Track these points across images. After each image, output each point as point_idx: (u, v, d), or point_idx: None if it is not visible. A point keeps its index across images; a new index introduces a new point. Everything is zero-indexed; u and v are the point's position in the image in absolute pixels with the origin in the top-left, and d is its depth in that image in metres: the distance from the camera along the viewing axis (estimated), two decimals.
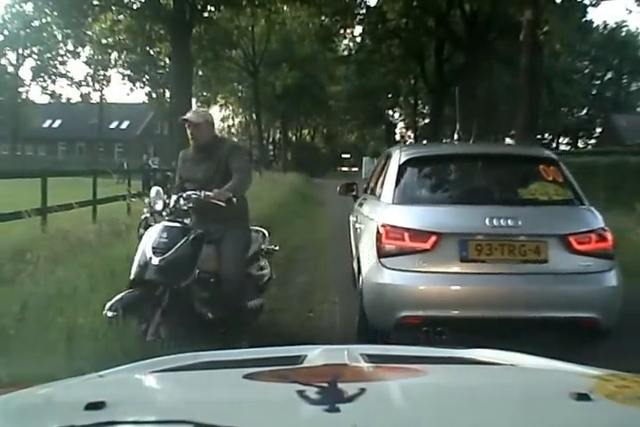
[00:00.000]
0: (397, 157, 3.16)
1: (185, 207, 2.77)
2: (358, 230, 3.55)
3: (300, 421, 0.69)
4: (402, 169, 3.06)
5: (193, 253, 2.70)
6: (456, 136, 3.68)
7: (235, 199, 2.79)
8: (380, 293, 2.79)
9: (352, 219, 4.24)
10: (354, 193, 4.70)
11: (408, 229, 2.73)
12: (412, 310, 2.69)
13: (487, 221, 2.70)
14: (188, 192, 2.82)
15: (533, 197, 2.96)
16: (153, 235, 2.71)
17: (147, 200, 2.93)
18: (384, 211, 2.95)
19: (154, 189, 2.96)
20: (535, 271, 2.72)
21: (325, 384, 0.75)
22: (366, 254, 2.97)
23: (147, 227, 3.10)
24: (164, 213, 2.82)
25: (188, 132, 3.00)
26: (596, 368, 0.98)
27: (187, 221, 2.81)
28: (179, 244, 2.65)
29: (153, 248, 2.64)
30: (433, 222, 2.77)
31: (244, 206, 3.07)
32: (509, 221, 2.71)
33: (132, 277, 2.70)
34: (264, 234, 3.37)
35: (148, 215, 3.14)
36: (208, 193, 2.77)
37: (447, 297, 2.72)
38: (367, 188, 4.13)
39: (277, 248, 3.45)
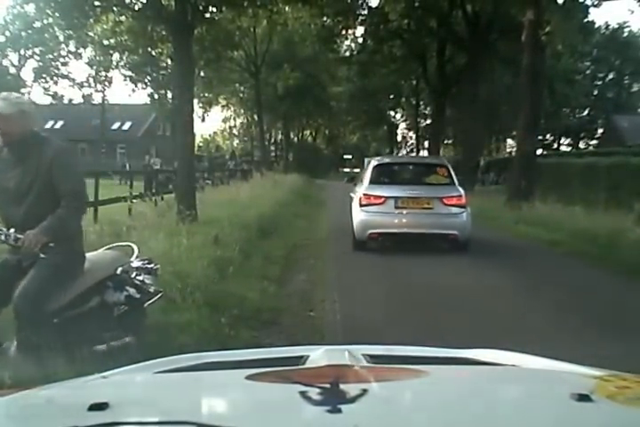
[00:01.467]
0: (372, 163, 7.05)
1: None
2: (353, 198, 6.97)
3: (302, 422, 0.69)
4: (373, 169, 6.79)
5: (2, 284, 2.26)
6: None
7: (52, 244, 2.18)
8: (359, 222, 6.37)
9: (351, 194, 7.47)
10: (353, 182, 8.29)
11: (373, 195, 6.37)
12: (374, 229, 6.31)
13: (407, 191, 6.27)
14: None
15: (430, 181, 6.53)
16: None
17: None
18: (363, 188, 6.59)
19: None
20: (427, 213, 6.24)
21: (327, 385, 0.75)
22: (355, 207, 6.55)
23: None
24: None
25: None
26: (596, 369, 0.98)
27: None
28: None
29: None
30: (383, 192, 6.35)
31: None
32: (417, 191, 6.32)
33: None
34: (132, 250, 2.75)
35: None
36: (19, 236, 2.21)
37: (388, 223, 6.26)
38: (358, 178, 7.89)
39: (157, 266, 2.76)
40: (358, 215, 6.39)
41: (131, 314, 2.52)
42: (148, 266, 2.71)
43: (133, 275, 2.61)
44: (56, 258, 2.24)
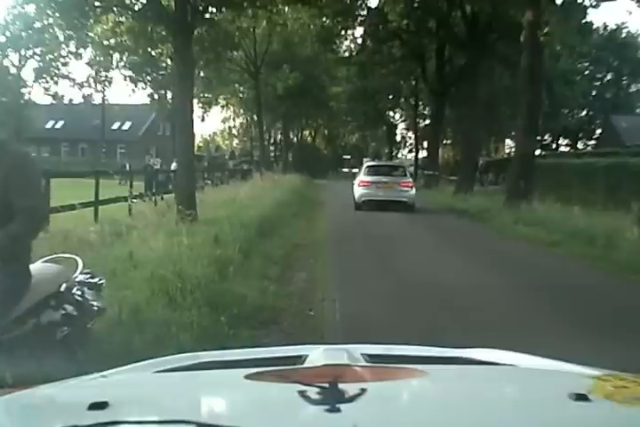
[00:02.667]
0: (365, 164, 14.75)
1: None
2: (354, 183, 13.28)
3: (301, 421, 0.69)
4: (365, 167, 13.83)
5: None
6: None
7: None
8: (358, 194, 12.76)
9: (353, 182, 13.57)
10: (354, 176, 14.66)
11: (365, 180, 12.83)
12: (364, 197, 12.64)
13: (382, 178, 12.66)
14: None
15: (394, 174, 13.04)
16: None
17: None
18: (360, 177, 13.20)
19: None
20: (391, 189, 12.53)
21: (326, 385, 0.75)
22: (355, 187, 13.07)
23: None
24: None
25: None
26: (594, 368, 0.98)
27: None
28: None
29: None
30: (370, 179, 12.78)
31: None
32: (386, 179, 12.71)
33: None
34: (76, 263, 2.35)
35: None
36: None
37: (372, 194, 12.55)
38: (358, 173, 14.13)
39: (102, 281, 2.38)
40: (357, 190, 12.91)
41: (74, 336, 2.14)
42: (92, 281, 2.31)
43: (77, 291, 2.23)
44: None
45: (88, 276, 2.31)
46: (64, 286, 2.15)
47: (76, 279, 2.25)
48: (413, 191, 12.77)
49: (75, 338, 2.13)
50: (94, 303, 2.24)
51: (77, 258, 2.33)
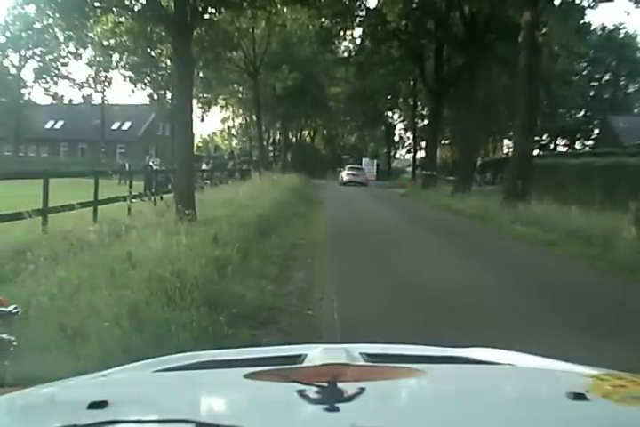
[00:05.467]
0: (346, 167, 34.11)
1: None
2: (340, 176, 32.76)
3: (300, 420, 0.70)
4: (346, 168, 33.34)
5: None
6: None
7: None
8: (342, 178, 31.26)
9: (341, 174, 32.81)
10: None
11: (346, 173, 31.85)
12: (345, 179, 30.94)
13: (353, 172, 31.78)
14: None
15: (359, 171, 32.89)
16: None
17: None
18: (344, 172, 32.42)
19: None
20: (357, 178, 30.64)
21: (325, 384, 0.75)
22: (341, 175, 32.47)
23: None
24: None
25: None
26: (592, 368, 0.99)
27: None
28: None
29: None
30: (348, 172, 31.81)
31: None
32: (356, 172, 31.84)
33: None
34: None
35: None
36: None
37: (349, 179, 30.51)
38: (342, 171, 33.22)
39: (16, 310, 1.84)
40: (343, 176, 30.97)
41: None
42: (4, 309, 1.83)
43: None
44: None
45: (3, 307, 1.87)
46: None
47: None
48: (365, 178, 30.91)
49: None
50: (4, 337, 1.81)
51: None
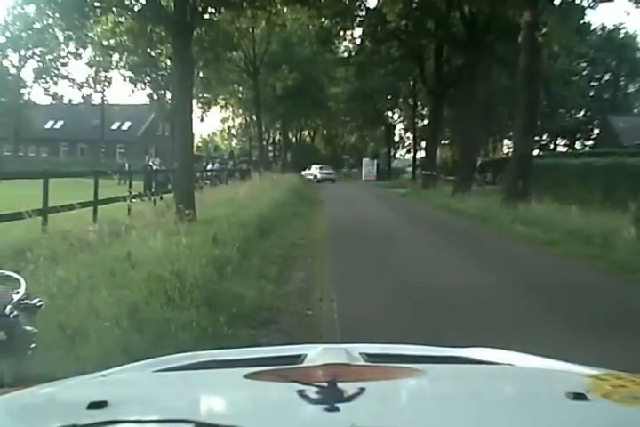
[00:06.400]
0: (318, 167, 37.02)
1: None
2: (315, 174, 35.94)
3: (300, 420, 0.70)
4: (316, 168, 36.51)
5: None
6: None
7: None
8: (317, 176, 35.42)
9: (315, 173, 36.42)
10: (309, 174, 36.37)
11: (319, 172, 36.12)
12: (319, 177, 35.13)
13: (323, 170, 36.27)
14: None
15: (329, 170, 37.01)
16: None
17: None
18: (317, 171, 36.59)
19: None
20: (328, 175, 35.62)
21: (325, 384, 0.75)
22: (316, 174, 35.81)
23: None
24: None
25: None
26: (592, 368, 0.99)
27: None
28: None
29: None
30: (319, 171, 36.06)
31: None
32: (326, 170, 36.40)
33: None
34: (19, 282, 1.98)
35: None
36: None
37: (321, 176, 35.36)
38: (307, 169, 37.16)
39: (41, 303, 1.99)
40: (317, 175, 34.87)
41: (14, 365, 1.74)
42: (30, 302, 1.98)
43: (16, 314, 1.89)
44: None
45: (24, 297, 1.94)
46: (8, 308, 1.82)
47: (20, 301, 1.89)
48: (335, 176, 35.17)
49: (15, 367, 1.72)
50: (29, 328, 1.90)
51: (19, 277, 1.98)
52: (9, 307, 1.82)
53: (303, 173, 33.93)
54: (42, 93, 45.71)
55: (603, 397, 0.78)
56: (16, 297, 1.86)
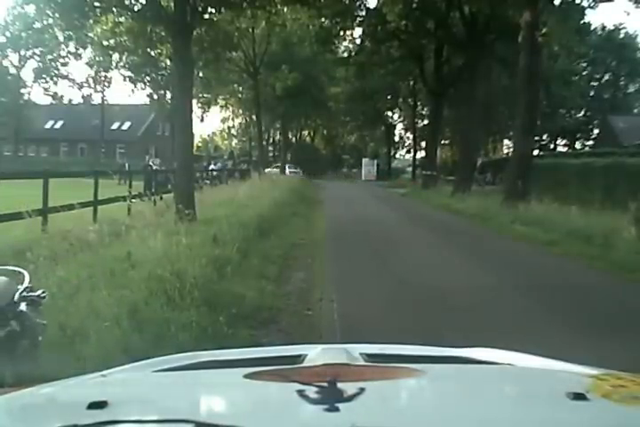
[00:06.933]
0: (287, 165, 34.25)
1: None
2: (286, 170, 32.28)
3: (300, 420, 0.70)
4: (288, 166, 33.80)
5: None
6: None
7: None
8: (287, 171, 31.60)
9: (287, 171, 32.37)
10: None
11: (289, 171, 32.57)
12: (288, 171, 32.91)
13: (293, 170, 33.96)
14: None
15: (295, 168, 34.95)
16: None
17: None
18: (288, 169, 33.29)
19: None
20: (295, 173, 33.63)
21: (325, 384, 0.75)
22: (286, 171, 31.67)
23: None
24: None
25: None
26: (592, 368, 0.99)
27: None
28: None
29: None
30: (290, 170, 32.58)
31: None
32: (293, 169, 34.31)
33: None
34: (22, 275, 2.10)
35: None
36: None
37: (290, 171, 32.44)
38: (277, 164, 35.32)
39: (44, 294, 2.10)
40: (287, 173, 29.90)
41: (24, 354, 1.86)
42: (34, 294, 2.07)
43: (22, 306, 1.99)
44: None
45: (29, 289, 2.04)
46: (15, 298, 1.90)
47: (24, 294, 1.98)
48: (300, 173, 32.76)
49: (25, 357, 1.83)
50: (38, 320, 2.01)
51: (24, 271, 2.09)
52: (17, 295, 1.92)
53: (267, 170, 26.81)
54: (42, 93, 45.82)
55: (603, 397, 0.78)
56: (21, 288, 1.96)
